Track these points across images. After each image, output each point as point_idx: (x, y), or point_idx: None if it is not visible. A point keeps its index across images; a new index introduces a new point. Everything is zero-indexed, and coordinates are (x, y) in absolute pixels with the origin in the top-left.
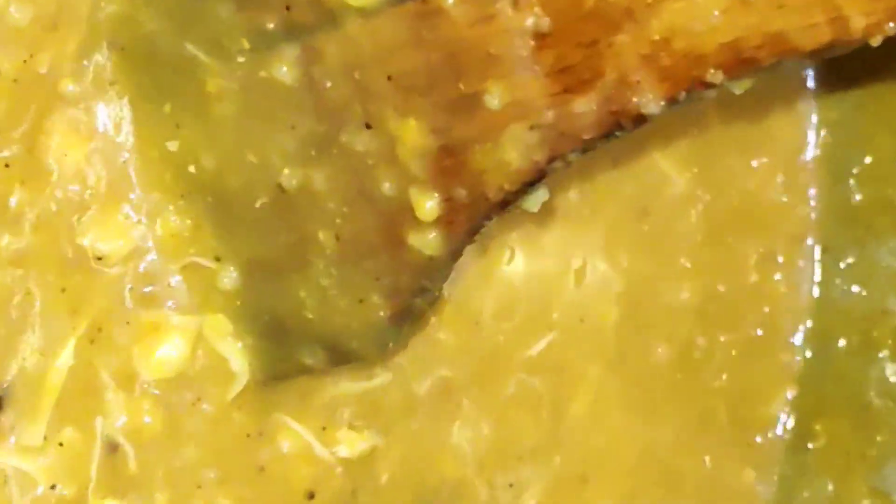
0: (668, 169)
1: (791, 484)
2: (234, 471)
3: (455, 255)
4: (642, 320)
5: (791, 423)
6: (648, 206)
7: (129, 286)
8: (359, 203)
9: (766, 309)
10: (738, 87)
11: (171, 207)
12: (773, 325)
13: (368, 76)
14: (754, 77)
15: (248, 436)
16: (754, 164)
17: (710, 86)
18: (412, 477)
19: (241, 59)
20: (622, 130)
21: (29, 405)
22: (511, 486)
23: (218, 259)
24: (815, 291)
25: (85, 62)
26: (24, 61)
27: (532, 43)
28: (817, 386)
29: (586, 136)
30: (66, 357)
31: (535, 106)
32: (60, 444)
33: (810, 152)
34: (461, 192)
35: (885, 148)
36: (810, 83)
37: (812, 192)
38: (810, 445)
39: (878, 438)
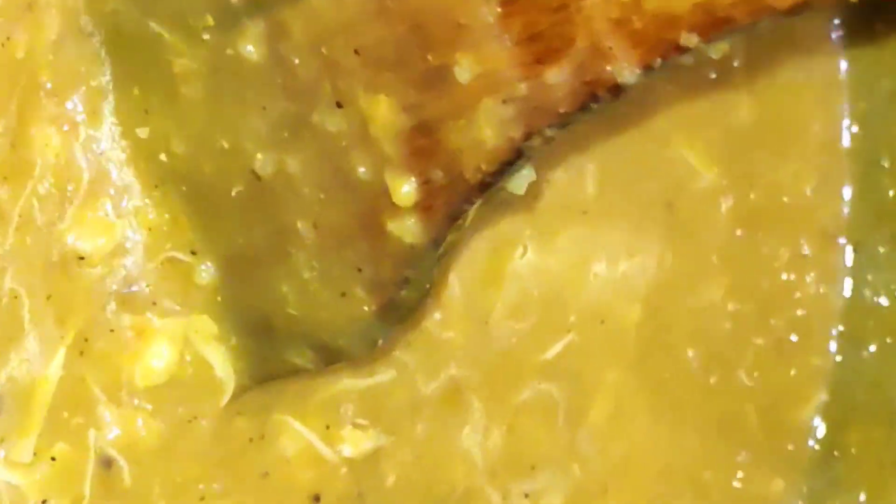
0: (694, 162)
1: (821, 495)
2: (237, 479)
3: (437, 242)
4: (667, 321)
5: (822, 431)
6: (673, 201)
7: (113, 287)
8: (335, 189)
9: (800, 312)
10: (715, 52)
11: (146, 200)
12: (805, 326)
13: (336, 51)
14: (730, 39)
15: (250, 440)
16: (783, 157)
17: (684, 50)
18: (420, 479)
19: (206, 37)
20: (599, 102)
21: (19, 418)
22: (527, 496)
23: (194, 253)
24: (847, 291)
25: (62, 47)
26: (2, 45)
27: (498, 10)
28: (849, 392)
29: (562, 109)
30: (55, 367)
31: (507, 78)
32: (52, 459)
33: (841, 144)
34: (438, 174)
35: None
36: (841, 74)
37: (843, 186)
38: (837, 454)
39: None
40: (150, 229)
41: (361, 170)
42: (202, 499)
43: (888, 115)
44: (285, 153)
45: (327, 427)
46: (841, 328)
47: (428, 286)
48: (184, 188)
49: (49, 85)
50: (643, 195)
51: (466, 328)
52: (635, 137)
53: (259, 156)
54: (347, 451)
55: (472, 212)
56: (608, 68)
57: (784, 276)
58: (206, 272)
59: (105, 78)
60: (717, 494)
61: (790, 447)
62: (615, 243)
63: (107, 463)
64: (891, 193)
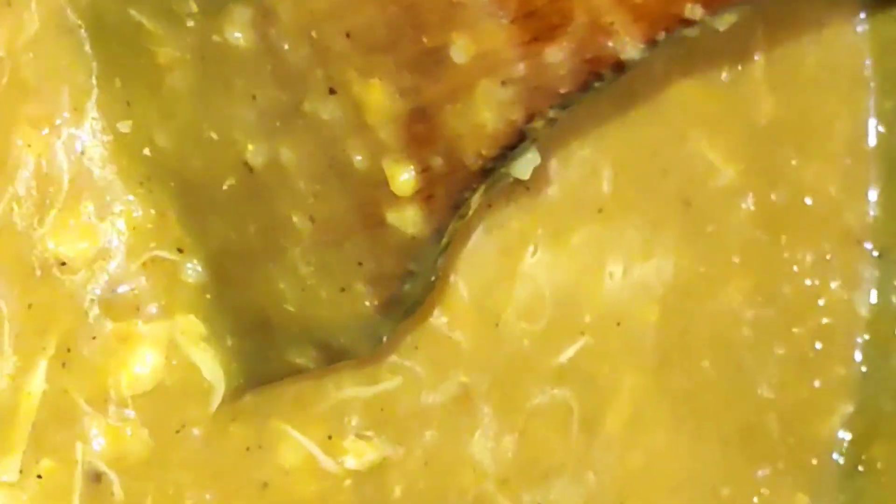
0: (713, 158)
1: None
2: (233, 490)
3: (440, 233)
4: (686, 324)
5: (846, 444)
6: (691, 199)
7: (96, 292)
8: (331, 180)
9: (824, 320)
10: (721, 23)
11: (130, 197)
12: (830, 335)
13: (326, 34)
14: (737, 11)
15: (247, 449)
16: (806, 156)
17: (690, 23)
18: (428, 491)
19: (190, 24)
20: (602, 81)
21: (2, 436)
22: None
23: (180, 250)
24: (873, 298)
25: (43, 44)
26: None
27: None
28: (874, 404)
29: (563, 90)
30: (37, 382)
31: (505, 58)
32: (39, 477)
33: (867, 144)
34: (437, 161)
35: None
36: (867, 71)
37: (869, 188)
38: (862, 468)
39: None
40: (133, 228)
41: (358, 158)
42: None
43: None
44: (278, 143)
45: (329, 437)
46: (867, 337)
47: (433, 279)
48: (171, 184)
49: (30, 84)
50: (660, 192)
51: (476, 331)
52: (651, 132)
53: (250, 146)
54: (351, 462)
55: (475, 200)
56: (610, 44)
57: (807, 282)
58: (192, 270)
59: (89, 75)
60: None
61: (814, 461)
62: (631, 242)
63: (96, 477)
64: None
